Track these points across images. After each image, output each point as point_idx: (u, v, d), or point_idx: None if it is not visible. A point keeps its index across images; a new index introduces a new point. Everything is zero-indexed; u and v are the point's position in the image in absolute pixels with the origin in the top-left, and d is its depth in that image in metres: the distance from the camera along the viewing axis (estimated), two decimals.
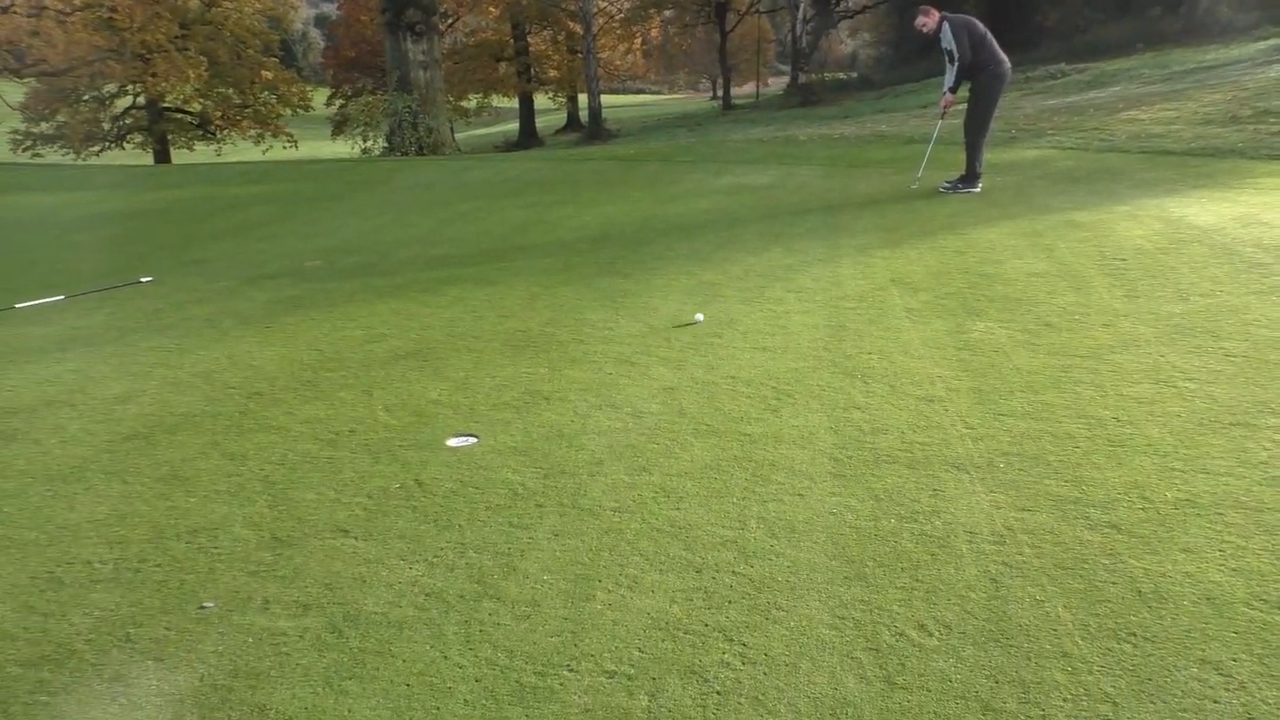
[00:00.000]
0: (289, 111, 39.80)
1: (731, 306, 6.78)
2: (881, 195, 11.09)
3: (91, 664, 3.14)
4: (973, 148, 10.78)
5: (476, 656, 3.05)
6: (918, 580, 3.33)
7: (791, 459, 4.24)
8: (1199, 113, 14.35)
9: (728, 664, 2.95)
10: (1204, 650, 2.92)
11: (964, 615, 3.13)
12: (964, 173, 10.94)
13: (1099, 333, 5.69)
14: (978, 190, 10.84)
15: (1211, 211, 8.63)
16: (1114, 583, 3.24)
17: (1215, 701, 2.72)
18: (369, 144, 31.59)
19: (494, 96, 49.44)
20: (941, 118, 11.79)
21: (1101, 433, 4.36)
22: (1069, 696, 2.77)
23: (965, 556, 3.46)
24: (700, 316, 5.70)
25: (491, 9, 46.35)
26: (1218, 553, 3.38)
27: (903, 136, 16.96)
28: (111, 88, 37.64)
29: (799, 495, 3.93)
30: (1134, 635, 2.99)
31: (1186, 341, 5.43)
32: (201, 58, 36.13)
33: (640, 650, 3.04)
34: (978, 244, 8.21)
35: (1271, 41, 22.16)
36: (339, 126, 39.18)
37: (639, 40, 55.53)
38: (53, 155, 36.36)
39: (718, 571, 3.42)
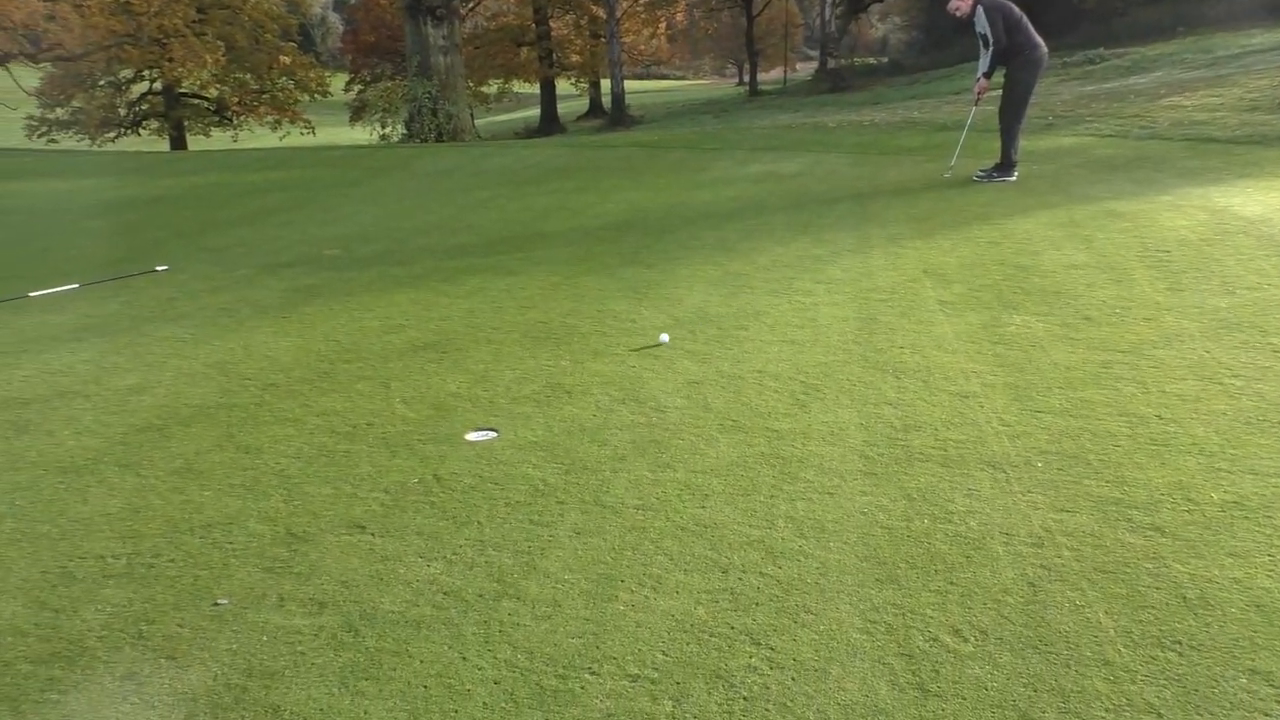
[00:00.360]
0: (307, 97, 40.00)
1: (759, 298, 6.74)
2: (913, 184, 11.00)
3: (103, 661, 3.14)
4: (1008, 135, 10.67)
5: (495, 658, 3.04)
6: (952, 583, 3.29)
7: (821, 456, 4.21)
8: (1244, 99, 14.14)
9: (755, 668, 2.93)
10: (1253, 660, 2.86)
11: (1000, 620, 3.08)
12: (999, 161, 10.84)
13: (1141, 327, 5.63)
14: (1013, 179, 10.73)
15: (1258, 201, 8.49)
16: (1158, 588, 3.19)
17: (1266, 715, 2.66)
18: (388, 130, 31.71)
19: (515, 82, 49.47)
20: (975, 104, 11.68)
21: (1144, 431, 4.30)
22: (1111, 707, 2.72)
23: (1002, 559, 3.41)
24: (665, 337, 5.53)
25: None
26: (1266, 557, 3.32)
27: (935, 123, 16.84)
28: (128, 73, 37.93)
29: (828, 494, 3.89)
30: (1179, 643, 2.94)
31: (1233, 337, 5.35)
32: (219, 43, 36.35)
33: (664, 653, 3.01)
34: (1013, 234, 8.14)
35: None
36: (357, 112, 39.36)
37: (663, 24, 55.35)
38: (68, 141, 36.69)
39: (744, 572, 3.39)
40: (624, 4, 48.02)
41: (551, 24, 48.79)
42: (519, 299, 7.17)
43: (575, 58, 48.98)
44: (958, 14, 10.59)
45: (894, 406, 4.72)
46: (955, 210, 9.41)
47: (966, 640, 2.99)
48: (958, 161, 11.63)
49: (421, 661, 3.03)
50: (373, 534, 3.77)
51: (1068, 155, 12.07)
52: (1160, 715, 2.65)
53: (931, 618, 3.11)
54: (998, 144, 10.94)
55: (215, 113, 39.46)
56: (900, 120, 17.86)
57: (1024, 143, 11.20)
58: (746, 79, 57.39)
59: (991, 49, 10.28)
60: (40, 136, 36.79)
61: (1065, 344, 5.45)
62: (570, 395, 5.13)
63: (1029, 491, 3.85)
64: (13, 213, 13.41)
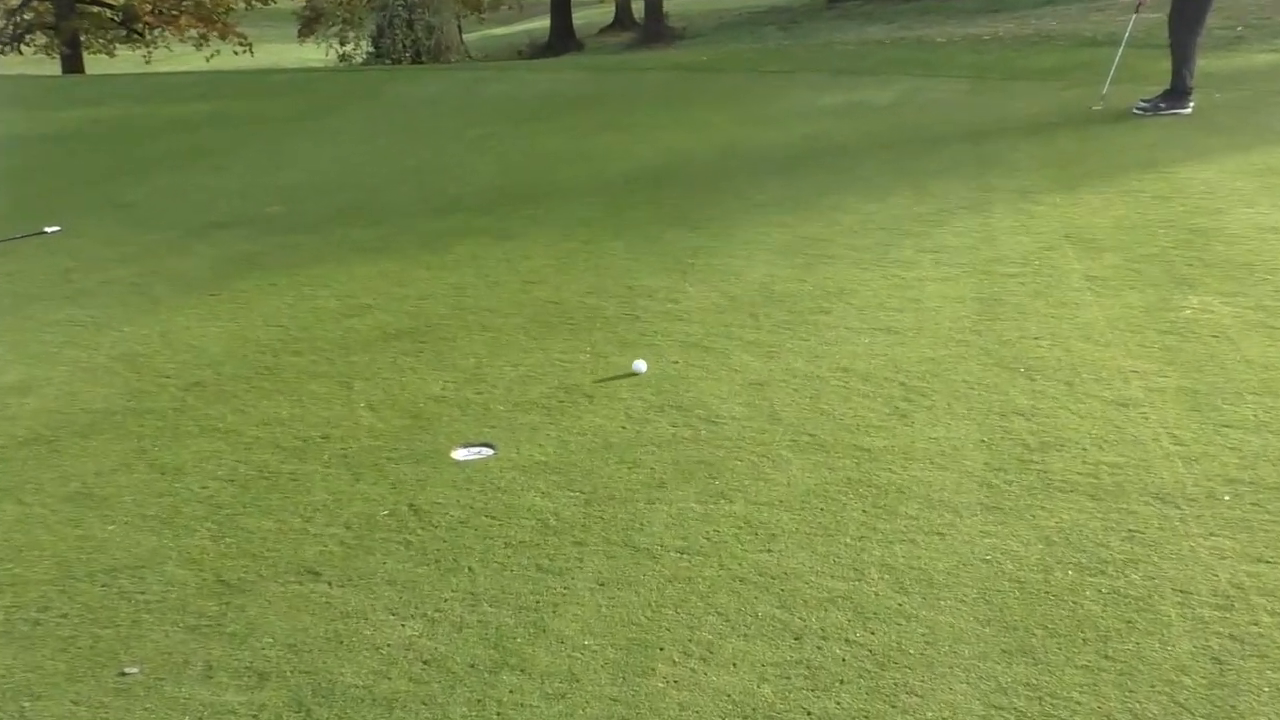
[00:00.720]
0: (241, 4, 40.24)
1: (843, 272, 6.71)
2: (1049, 118, 10.97)
3: None
4: (1181, 53, 10.56)
5: None
6: (1107, 658, 3.25)
7: (927, 484, 4.19)
8: None
9: None
10: None
11: (1174, 708, 3.04)
12: (1169, 87, 10.74)
13: None
14: (1188, 111, 10.64)
15: None
16: None
17: None
18: (349, 48, 31.88)
19: None
20: (1137, 11, 11.57)
21: None
22: None
23: (1175, 626, 3.37)
24: (641, 365, 5.36)
25: None
26: None
27: (1079, 37, 16.70)
28: None
29: (938, 534, 3.87)
30: None
31: None
32: None
33: None
34: (1188, 187, 8.09)
35: None
36: (309, 24, 39.55)
37: None
38: None
39: (824, 639, 3.37)
40: None
41: None
42: (522, 272, 7.17)
43: None
44: None
45: (1026, 418, 4.69)
46: (1108, 154, 9.34)
47: None
48: (1111, 89, 11.54)
49: None
50: (329, 583, 3.77)
51: (1262, 78, 11.93)
52: None
53: (1079, 703, 3.06)
54: (1167, 65, 10.83)
55: (121, 24, 39.75)
56: (1031, 34, 17.74)
57: (1201, 63, 11.08)
58: None
59: None
60: None
61: (1261, 334, 5.42)
62: (591, 401, 5.12)
63: (1212, 534, 3.81)
64: None
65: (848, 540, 3.86)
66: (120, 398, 5.50)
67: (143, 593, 3.82)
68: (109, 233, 8.88)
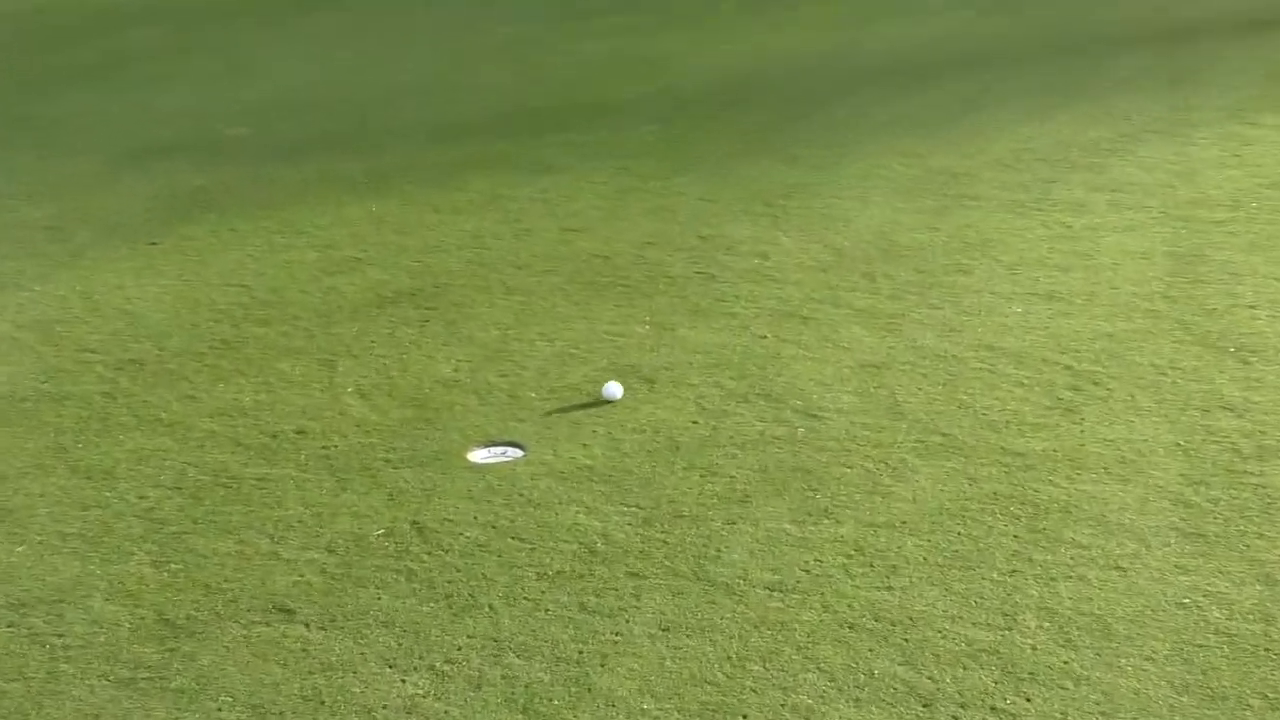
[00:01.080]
0: None
1: (989, 217, 6.69)
2: (1269, 13, 10.77)
3: None
4: None
5: None
6: None
7: (1102, 501, 4.14)
8: None
9: None
10: None
11: None
12: None
13: None
14: None
15: None
16: None
17: None
18: None
19: None
20: None
21: None
22: None
23: None
24: (615, 390, 5.20)
25: None
26: None
27: None
28: None
29: (1116, 569, 3.80)
30: None
31: None
32: None
33: None
34: None
35: None
36: None
37: None
38: None
39: (963, 706, 3.32)
40: None
41: None
42: (561, 216, 7.18)
43: None
44: None
45: (1237, 414, 4.64)
46: None
47: None
48: None
49: None
50: (307, 623, 3.78)
51: None
52: None
53: None
54: None
55: None
56: None
57: None
58: None
59: None
60: None
61: None
62: (652, 386, 5.13)
63: None
64: None
65: (994, 575, 3.81)
66: (31, 379, 5.54)
67: (61, 635, 3.82)
68: (13, 162, 9.00)
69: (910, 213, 6.78)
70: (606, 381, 5.11)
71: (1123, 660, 3.47)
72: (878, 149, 7.88)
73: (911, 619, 3.66)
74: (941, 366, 5.11)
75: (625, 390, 5.06)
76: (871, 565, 3.88)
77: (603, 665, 3.56)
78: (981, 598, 3.72)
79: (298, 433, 4.92)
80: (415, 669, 3.58)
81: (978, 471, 4.34)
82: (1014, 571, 3.82)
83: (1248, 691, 3.36)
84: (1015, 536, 3.98)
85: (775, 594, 3.79)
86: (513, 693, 3.49)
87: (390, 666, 3.59)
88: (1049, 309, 5.56)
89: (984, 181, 7.15)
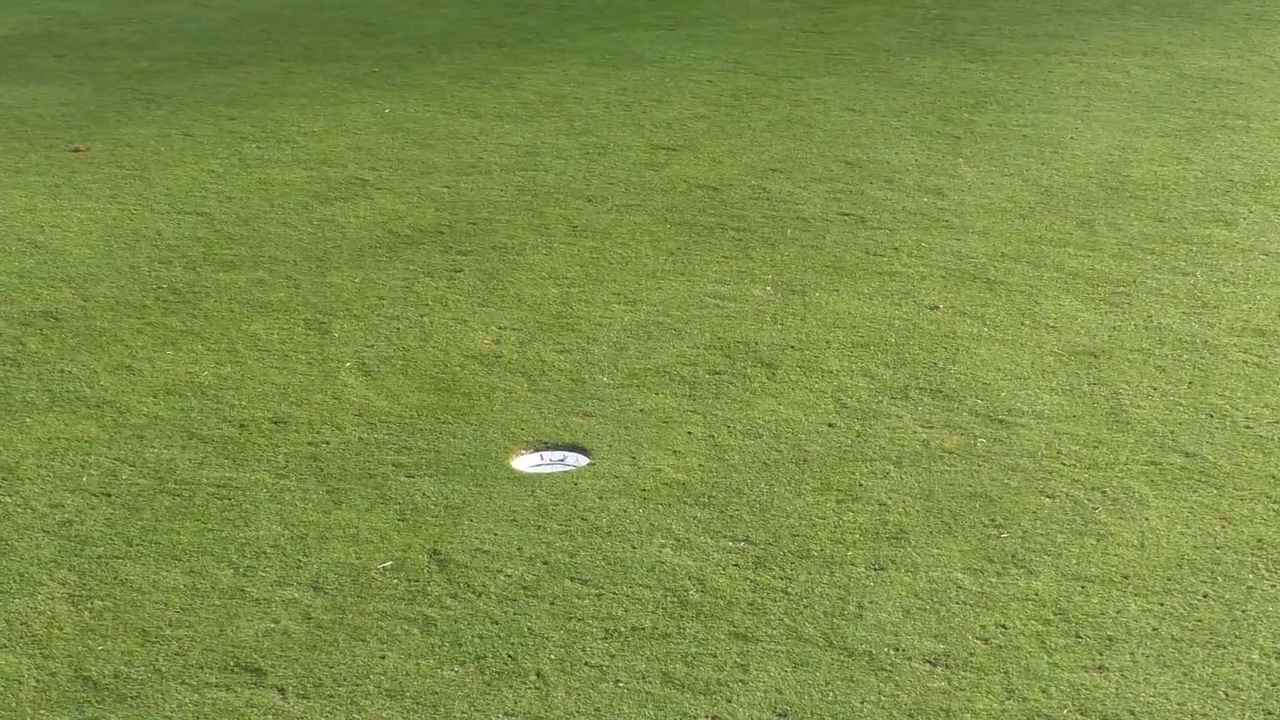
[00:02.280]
0: None
1: (1262, 144, 6.68)
2: None
3: None
4: None
5: None
6: None
7: None
8: None
9: None
10: None
11: None
12: None
13: None
14: None
15: None
16: None
17: None
18: None
19: None
20: None
21: None
22: None
23: None
24: (578, 459, 5.10)
25: None
26: None
27: None
28: None
29: None
30: None
31: None
32: None
33: None
34: None
35: None
36: None
37: None
38: None
39: None
40: None
41: None
42: (651, 128, 7.25)
43: None
44: None
45: None
46: None
47: None
48: None
49: None
50: (281, 688, 3.79)
51: None
52: None
53: None
54: None
55: None
56: None
57: None
58: None
59: None
60: None
61: None
62: (772, 372, 5.14)
63: None
64: None
65: (1254, 657, 3.77)
66: None
67: None
68: None
69: (1150, 136, 6.72)
70: (699, 368, 5.14)
71: None
72: (1106, 43, 7.82)
73: (1134, 713, 3.61)
74: (1188, 357, 5.08)
75: (730, 379, 5.04)
76: (1078, 635, 3.85)
77: None
78: (1236, 688, 3.67)
79: (275, 423, 4.93)
80: None
81: (1235, 508, 4.30)
82: None
83: None
84: None
85: (939, 670, 3.76)
86: None
87: None
88: None
89: (1258, 93, 7.08)
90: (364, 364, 5.25)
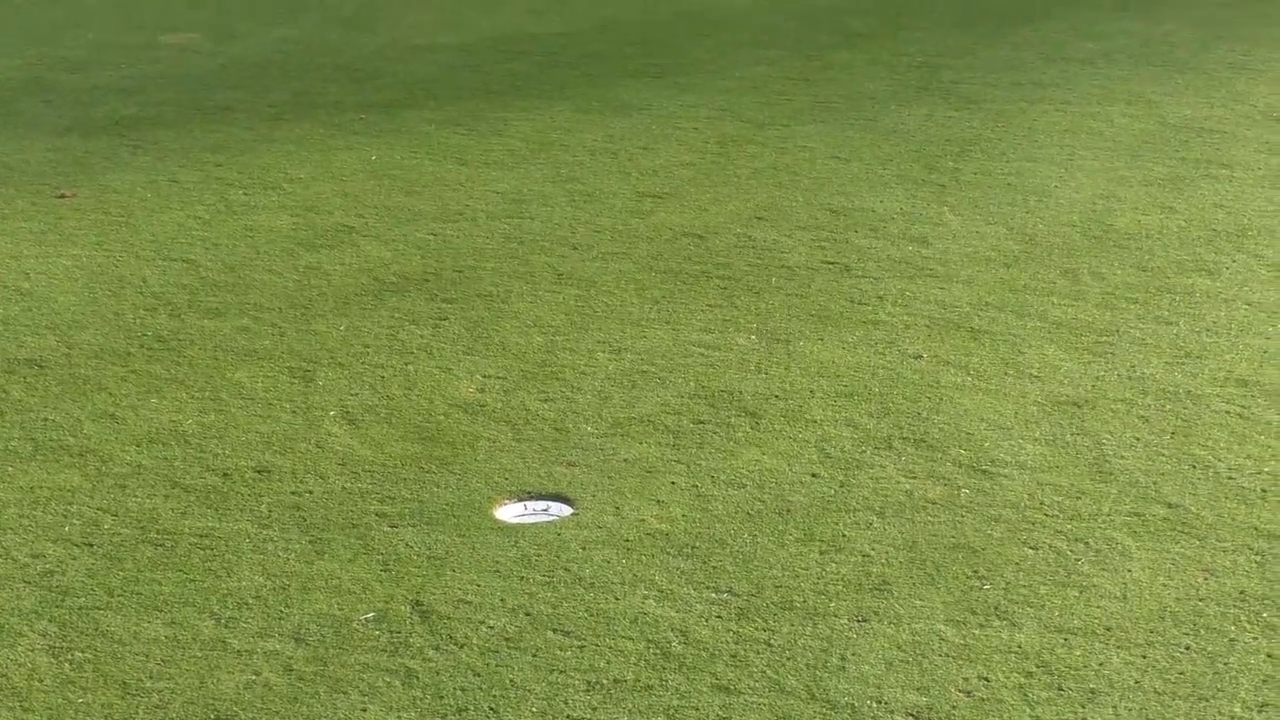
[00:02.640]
0: None
1: (1246, 193, 6.64)
2: None
3: None
4: None
5: None
6: None
7: None
8: None
9: None
10: None
11: None
12: None
13: None
14: None
15: None
16: None
17: None
18: None
19: None
20: None
21: None
22: None
23: None
24: (562, 510, 5.06)
25: None
26: None
27: None
28: None
29: None
30: None
31: None
32: None
33: None
34: None
35: None
36: None
37: None
38: None
39: None
40: None
41: None
42: (637, 175, 7.22)
43: None
44: None
45: None
46: None
47: None
48: None
49: None
50: None
51: None
52: None
53: None
54: None
55: None
56: None
57: None
58: None
59: None
60: None
61: None
62: (756, 422, 5.15)
63: None
64: None
65: (1236, 710, 3.76)
66: None
67: None
68: None
69: (1134, 185, 6.73)
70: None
71: None
72: (1090, 91, 7.83)
73: None
74: (1171, 408, 5.09)
75: (721, 425, 5.04)
76: (1060, 688, 3.84)
77: None
78: None
79: (258, 472, 4.92)
80: None
81: (1218, 560, 4.30)
82: (1265, 706, 3.78)
83: None
84: (1270, 655, 3.93)
85: None
86: None
87: None
88: None
89: (1241, 142, 7.09)
90: (348, 412, 5.25)
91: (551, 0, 10.21)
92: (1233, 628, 4.14)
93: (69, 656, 4.19)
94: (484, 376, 5.48)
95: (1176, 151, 7.05)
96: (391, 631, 4.20)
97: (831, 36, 9.06)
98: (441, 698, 3.93)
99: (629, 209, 6.75)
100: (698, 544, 4.51)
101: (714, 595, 4.30)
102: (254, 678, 4.04)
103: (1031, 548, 4.48)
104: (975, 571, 4.39)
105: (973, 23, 9.10)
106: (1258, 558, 4.37)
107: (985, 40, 8.78)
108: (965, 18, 9.21)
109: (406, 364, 5.59)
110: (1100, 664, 4.02)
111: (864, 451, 4.95)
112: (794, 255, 6.23)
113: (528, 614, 4.24)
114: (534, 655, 4.09)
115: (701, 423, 5.15)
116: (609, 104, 8.07)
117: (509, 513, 4.74)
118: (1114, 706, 3.86)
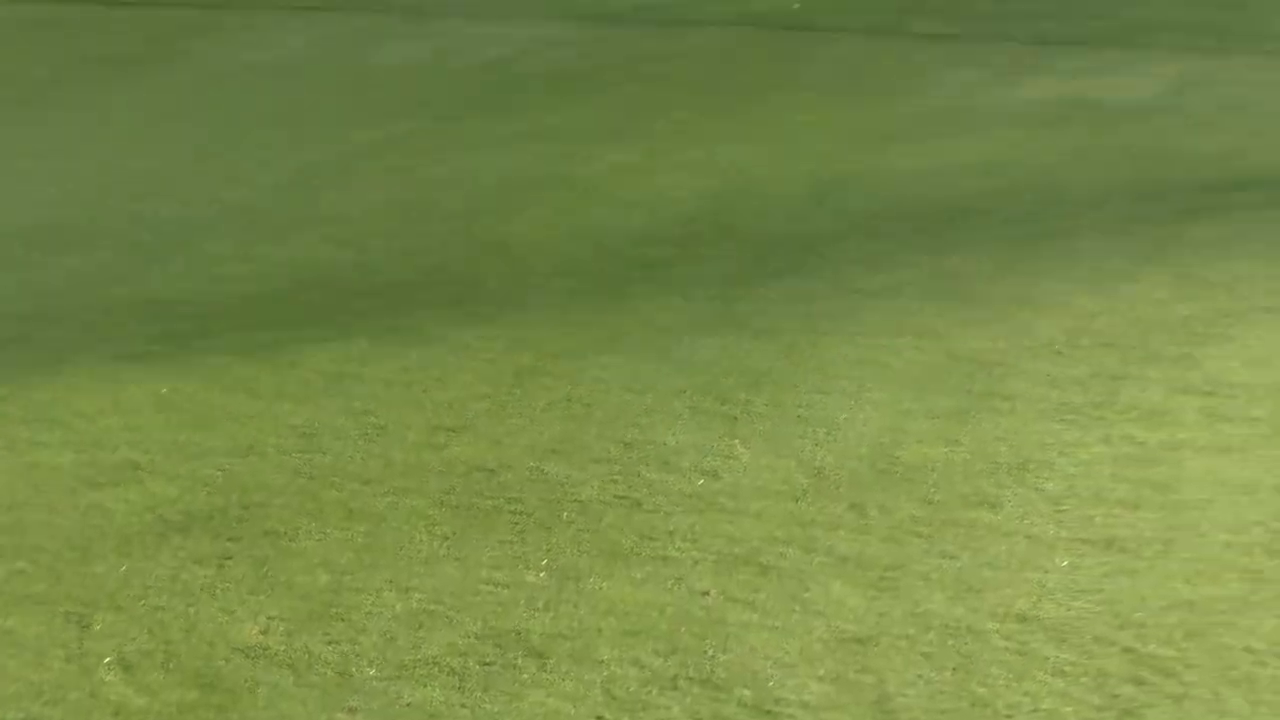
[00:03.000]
0: None
1: (1026, 426, 6.80)
2: None
3: None
4: None
5: None
6: None
7: None
8: None
9: None
10: None
11: None
12: None
13: None
14: None
15: None
16: None
17: None
18: None
19: None
20: None
21: None
22: None
23: None
24: None
25: None
26: None
27: None
28: None
29: None
30: None
31: None
32: None
33: None
34: None
35: None
36: None
37: None
38: None
39: None
40: None
41: None
42: (430, 409, 7.27)
43: None
44: None
45: None
46: None
47: None
48: None
49: None
50: None
51: None
52: None
53: None
54: None
55: None
56: None
57: None
58: None
59: None
60: None
61: None
62: (543, 662, 5.11)
63: None
64: None
65: None
66: None
67: None
68: None
69: (920, 417, 6.85)
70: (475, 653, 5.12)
71: None
72: (880, 323, 7.96)
73: None
74: (952, 644, 5.12)
75: (508, 667, 5.02)
76: None
77: None
78: None
79: None
80: None
81: None
82: None
83: None
84: None
85: None
86: None
87: None
88: (1106, 563, 5.62)
89: (1024, 375, 7.25)
90: (124, 659, 5.16)
91: (349, 230, 10.20)
92: None
93: None
94: (268, 618, 5.43)
95: (961, 384, 7.21)
96: None
97: (630, 268, 9.12)
98: None
99: (422, 442, 6.78)
100: None
101: None
102: None
103: None
104: None
105: (769, 253, 9.22)
106: None
107: (780, 271, 8.88)
108: (765, 247, 9.34)
109: (188, 606, 5.53)
110: None
111: (650, 692, 4.95)
112: (586, 490, 6.28)
113: None
114: None
115: (488, 664, 5.13)
116: (406, 334, 8.08)
117: None
118: None
